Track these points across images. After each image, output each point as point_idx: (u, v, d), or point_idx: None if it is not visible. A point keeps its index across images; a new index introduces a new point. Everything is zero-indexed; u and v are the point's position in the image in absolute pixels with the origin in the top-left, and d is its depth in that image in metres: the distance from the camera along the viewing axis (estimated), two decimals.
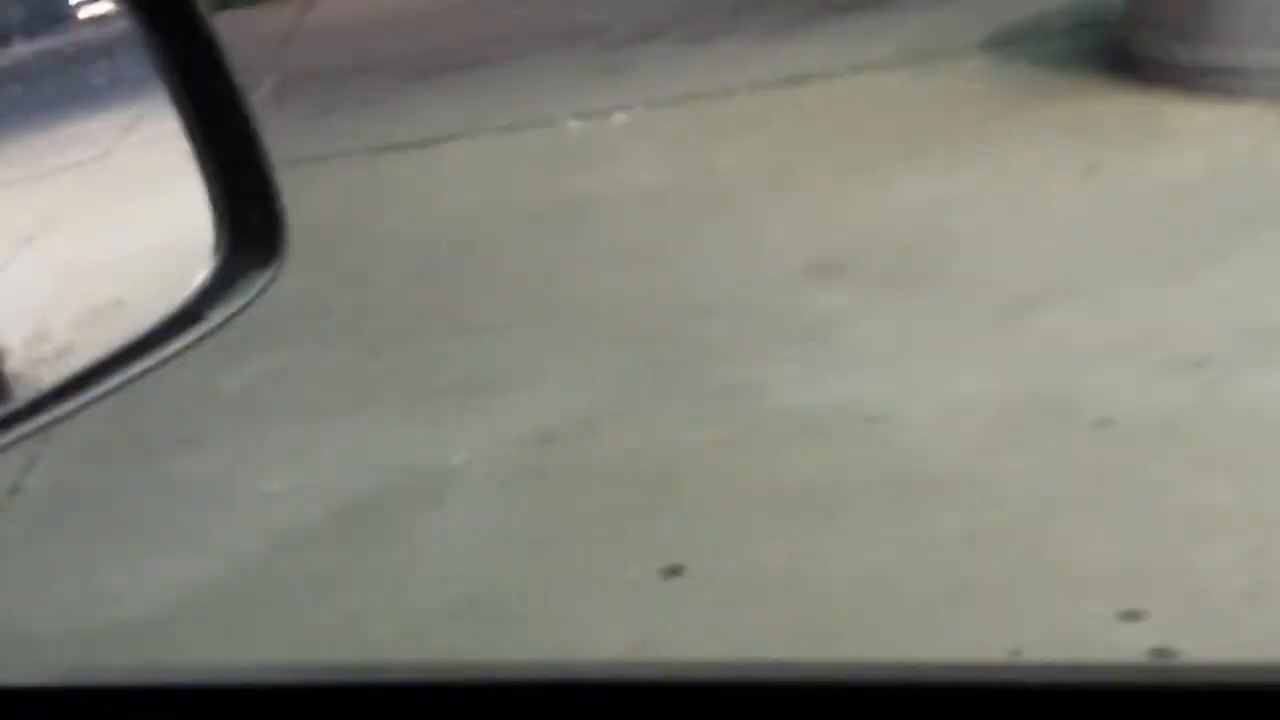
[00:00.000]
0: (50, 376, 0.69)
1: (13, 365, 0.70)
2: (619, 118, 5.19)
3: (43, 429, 0.63)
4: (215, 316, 0.71)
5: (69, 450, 2.98)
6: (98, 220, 1.08)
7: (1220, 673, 0.54)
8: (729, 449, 2.78)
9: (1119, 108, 4.44)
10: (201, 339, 0.70)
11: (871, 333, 3.17)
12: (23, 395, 0.66)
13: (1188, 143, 4.05)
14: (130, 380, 0.67)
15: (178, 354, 0.70)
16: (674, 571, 2.38)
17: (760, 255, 3.71)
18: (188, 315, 0.71)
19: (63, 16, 1.17)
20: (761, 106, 5.10)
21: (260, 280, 0.72)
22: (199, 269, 0.75)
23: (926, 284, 3.38)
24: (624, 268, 3.76)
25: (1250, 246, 3.31)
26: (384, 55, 6.25)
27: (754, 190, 4.21)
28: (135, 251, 0.91)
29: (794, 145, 4.56)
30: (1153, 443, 2.58)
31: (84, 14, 1.17)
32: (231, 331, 2.75)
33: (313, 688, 0.62)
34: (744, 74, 5.45)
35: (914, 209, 3.89)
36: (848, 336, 3.17)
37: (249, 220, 0.72)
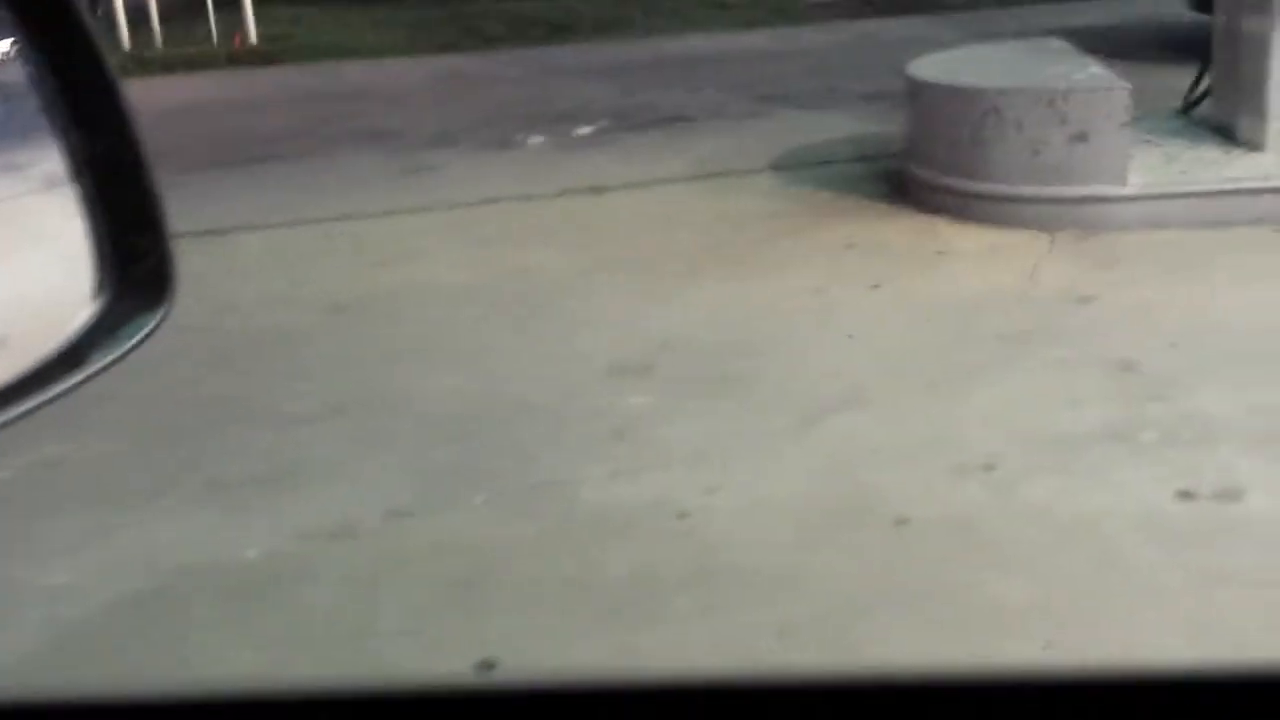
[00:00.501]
0: None
1: None
2: (417, 218, 5.18)
3: None
4: (98, 359, 0.67)
5: None
6: None
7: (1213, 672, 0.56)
8: (539, 545, 2.76)
9: (899, 229, 4.71)
10: (84, 381, 0.66)
11: (677, 433, 3.22)
12: None
13: (964, 264, 4.33)
14: (7, 422, 0.63)
15: (61, 395, 0.66)
16: (488, 667, 2.33)
17: (566, 355, 3.74)
18: (70, 357, 0.66)
19: None
20: (560, 214, 5.19)
21: (148, 323, 0.69)
22: (81, 310, 0.71)
23: (727, 388, 3.47)
24: (429, 364, 3.72)
25: (1024, 361, 3.54)
26: (175, 143, 6.08)
27: (556, 293, 4.26)
28: (9, 291, 0.86)
29: (593, 253, 4.65)
30: (948, 540, 2.69)
31: None
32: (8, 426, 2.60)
33: (282, 704, 0.59)
34: (542, 182, 5.54)
35: (713, 317, 4.00)
36: (654, 435, 3.21)
37: (136, 260, 0.69)
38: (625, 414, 3.33)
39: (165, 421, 3.35)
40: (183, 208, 3.82)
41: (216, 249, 4.84)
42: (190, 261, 4.40)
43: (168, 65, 8.74)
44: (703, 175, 5.57)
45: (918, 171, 4.98)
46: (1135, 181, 4.57)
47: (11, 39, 0.78)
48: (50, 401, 0.70)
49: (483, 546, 2.76)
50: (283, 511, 2.94)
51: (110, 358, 0.71)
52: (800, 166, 5.60)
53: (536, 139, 6.43)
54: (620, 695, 0.57)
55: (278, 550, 2.78)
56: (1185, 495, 2.78)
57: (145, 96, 6.76)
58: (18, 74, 0.91)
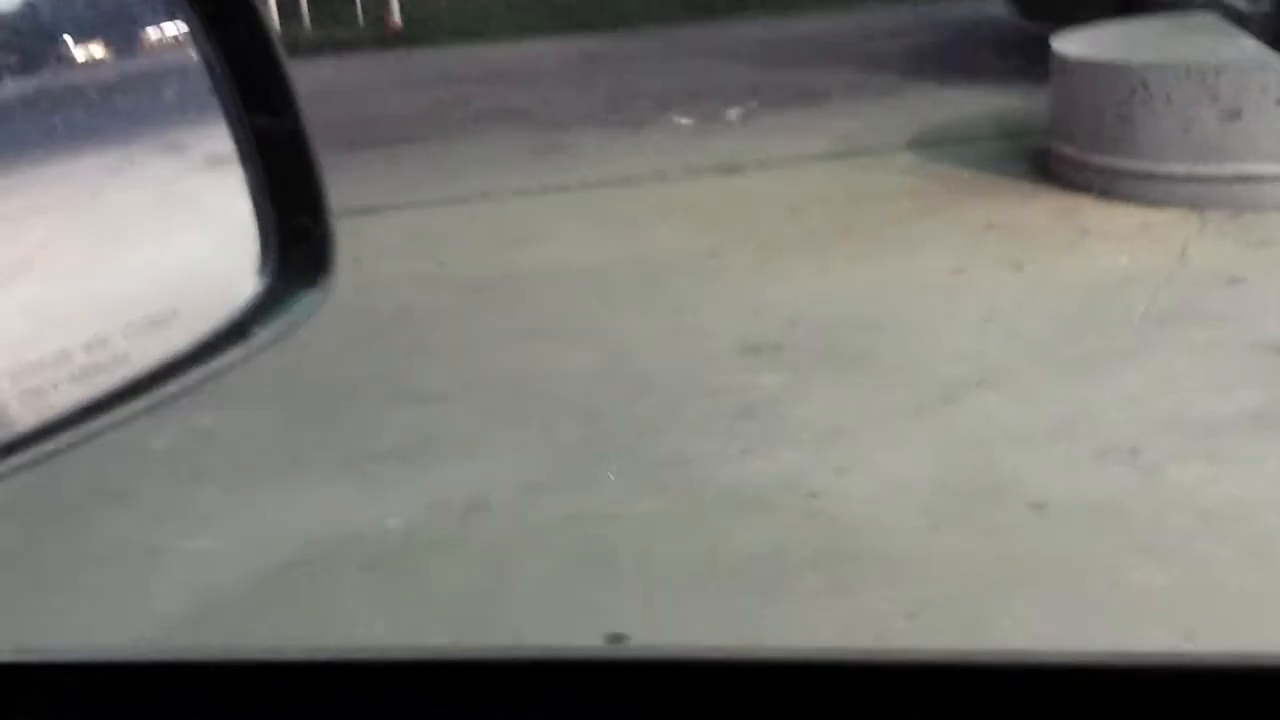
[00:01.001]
0: (105, 383, 0.67)
1: (70, 370, 0.68)
2: (552, 198, 5.23)
3: (95, 435, 0.61)
4: (262, 336, 0.69)
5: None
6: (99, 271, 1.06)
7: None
8: (670, 520, 2.77)
9: (1042, 208, 4.59)
10: (249, 356, 0.69)
11: (808, 411, 3.20)
12: (76, 401, 0.64)
13: (1110, 244, 4.20)
14: (182, 392, 0.66)
15: (227, 369, 0.68)
16: (616, 639, 2.35)
17: (695, 333, 3.74)
18: (237, 331, 0.69)
19: (50, 55, 1.16)
20: (693, 193, 5.19)
21: (310, 301, 0.71)
22: (245, 288, 0.73)
23: (859, 367, 3.44)
24: (561, 342, 3.76)
25: (1171, 343, 3.42)
26: (324, 124, 6.22)
27: (687, 272, 4.26)
28: (179, 266, 0.90)
29: (724, 231, 4.63)
30: (1087, 525, 2.62)
31: (77, 55, 1.17)
32: None
33: (293, 666, 0.61)
34: (676, 162, 5.55)
35: (845, 295, 3.96)
36: (785, 414, 3.20)
37: (299, 240, 0.71)
38: (755, 392, 3.32)
39: (309, 396, 3.45)
40: (332, 188, 3.92)
41: (363, 228, 4.96)
42: (341, 241, 4.53)
43: (316, 46, 8.97)
44: (839, 154, 5.51)
45: (1062, 149, 4.85)
46: None
47: (184, 22, 0.81)
48: (215, 376, 0.73)
49: (613, 520, 2.79)
50: (420, 484, 3.01)
51: (273, 335, 0.73)
52: (939, 144, 5.49)
53: (671, 118, 6.44)
54: (608, 669, 0.58)
55: (415, 522, 2.85)
56: None
57: (295, 78, 6.94)
58: (184, 56, 0.94)
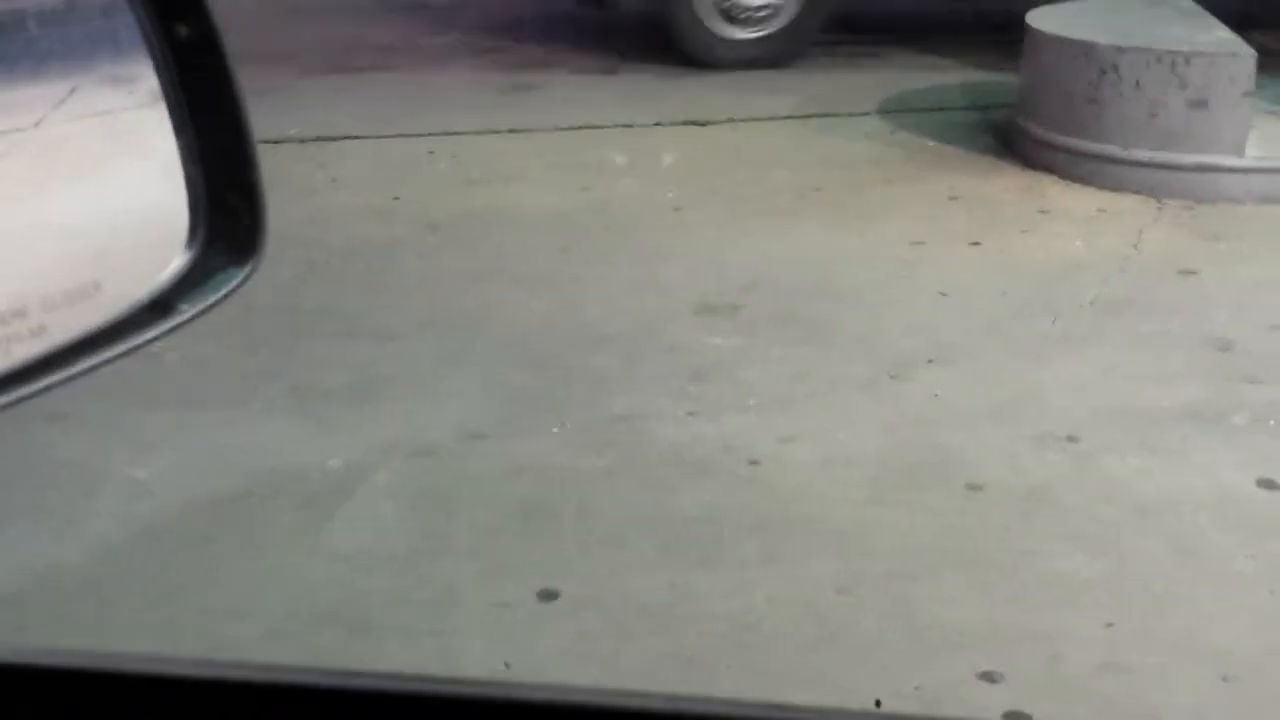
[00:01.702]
0: (21, 354, 0.66)
1: None
2: (517, 139, 5.19)
3: (12, 404, 0.60)
4: (187, 309, 0.69)
5: None
6: (59, 197, 1.04)
7: None
8: (610, 478, 2.79)
9: (1004, 184, 4.61)
10: (173, 329, 0.68)
11: (757, 376, 3.22)
12: None
13: (1068, 225, 4.23)
14: (99, 365, 0.65)
15: (148, 343, 0.68)
16: (549, 595, 2.38)
17: (652, 289, 3.74)
18: (160, 305, 0.68)
19: None
20: (659, 145, 5.15)
21: (235, 277, 0.71)
22: (172, 261, 0.73)
23: (813, 334, 3.45)
24: (516, 287, 3.75)
25: (1119, 331, 3.46)
26: (291, 49, 6.13)
27: (647, 225, 4.25)
28: (104, 232, 0.88)
29: (688, 186, 4.62)
30: (1021, 510, 2.67)
31: None
32: None
33: (272, 687, 0.60)
34: (644, 112, 5.50)
35: (805, 260, 3.97)
36: (734, 377, 3.21)
37: (228, 215, 0.71)
38: (707, 353, 3.33)
39: (256, 328, 3.42)
40: (294, 113, 3.91)
41: (322, 156, 4.90)
42: (296, 169, 4.49)
43: None
44: (809, 114, 5.49)
45: (1028, 126, 4.86)
46: (1253, 153, 4.41)
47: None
48: (137, 348, 0.72)
49: (554, 474, 2.80)
50: (365, 425, 3.00)
51: (196, 309, 0.73)
52: (909, 111, 5.48)
53: (642, 67, 6.38)
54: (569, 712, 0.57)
55: (358, 462, 2.85)
56: (1269, 484, 2.71)
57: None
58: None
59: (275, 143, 5.03)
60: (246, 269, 0.70)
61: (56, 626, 2.31)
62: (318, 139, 5.04)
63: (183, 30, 0.69)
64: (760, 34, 6.15)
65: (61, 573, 2.48)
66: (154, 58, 0.70)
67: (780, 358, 3.32)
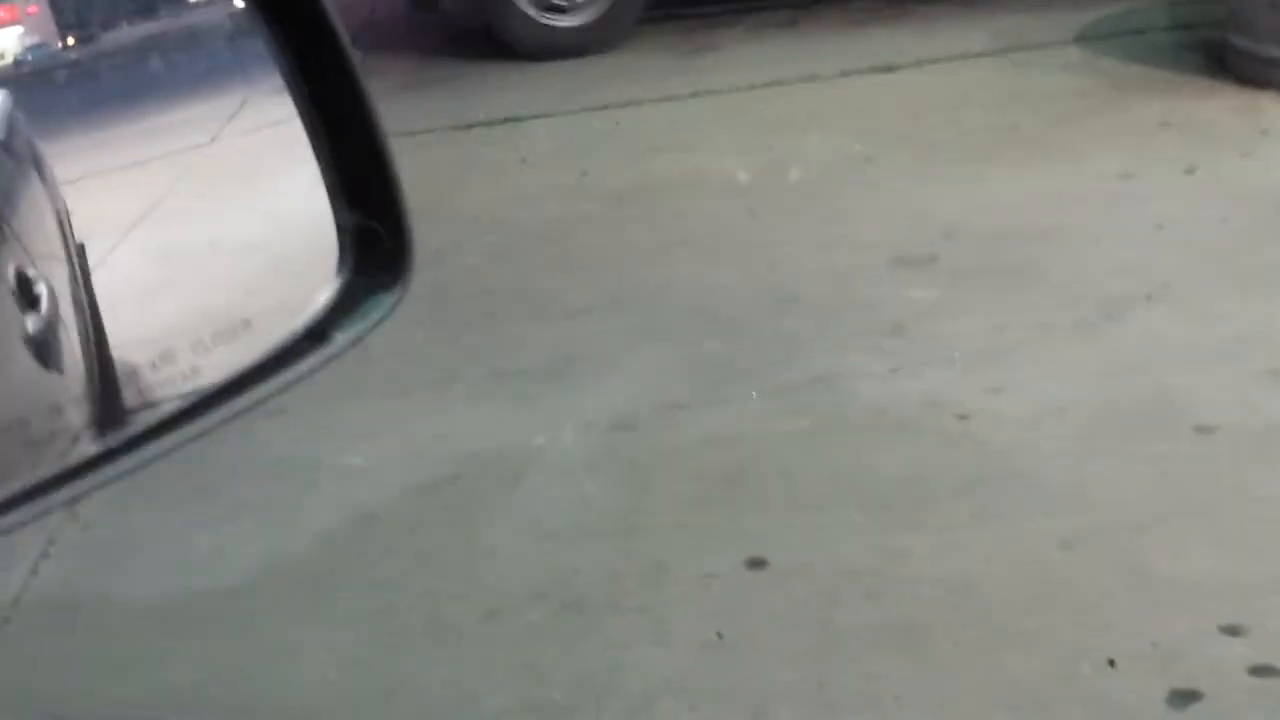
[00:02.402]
0: (176, 398, 0.66)
1: (139, 382, 0.67)
2: (699, 102, 5.14)
3: (167, 454, 0.60)
4: (341, 338, 0.67)
5: None
6: (212, 220, 1.05)
7: None
8: (812, 441, 2.73)
9: (1218, 106, 4.31)
10: (327, 361, 0.67)
11: (960, 328, 3.10)
12: (145, 419, 0.63)
13: None
14: (257, 403, 0.64)
15: (303, 376, 0.66)
16: (757, 564, 2.34)
17: (844, 245, 3.65)
18: (314, 335, 0.67)
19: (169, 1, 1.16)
20: (846, 95, 5.02)
21: (385, 303, 0.69)
22: (322, 290, 0.71)
23: (1017, 280, 3.30)
24: (705, 255, 3.71)
25: None
26: (473, 32, 6.23)
27: (836, 180, 4.15)
28: (256, 259, 0.88)
29: (878, 137, 4.48)
30: (1256, 451, 2.49)
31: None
32: None
33: None
34: (828, 62, 5.37)
35: (1005, 203, 3.80)
36: (936, 330, 3.10)
37: (376, 242, 0.69)
38: (906, 307, 3.22)
39: (454, 312, 3.49)
40: (483, 96, 3.94)
41: (509, 137, 4.96)
42: (486, 151, 4.55)
43: None
44: (1002, 49, 5.26)
45: (1241, 42, 4.52)
46: None
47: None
48: (295, 381, 0.71)
49: (755, 441, 2.76)
50: (564, 402, 3.02)
51: (349, 337, 0.71)
52: (1109, 37, 5.19)
53: (822, 14, 6.23)
54: None
55: (560, 440, 2.87)
56: None
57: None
58: (238, 19, 0.92)
59: (466, 127, 5.13)
60: (396, 294, 0.68)
61: (283, 618, 2.40)
62: (505, 120, 5.11)
63: (315, 63, 0.67)
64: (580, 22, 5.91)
65: (288, 563, 2.58)
66: (292, 95, 0.69)
67: (984, 307, 3.19)
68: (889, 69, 5.21)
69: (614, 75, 5.61)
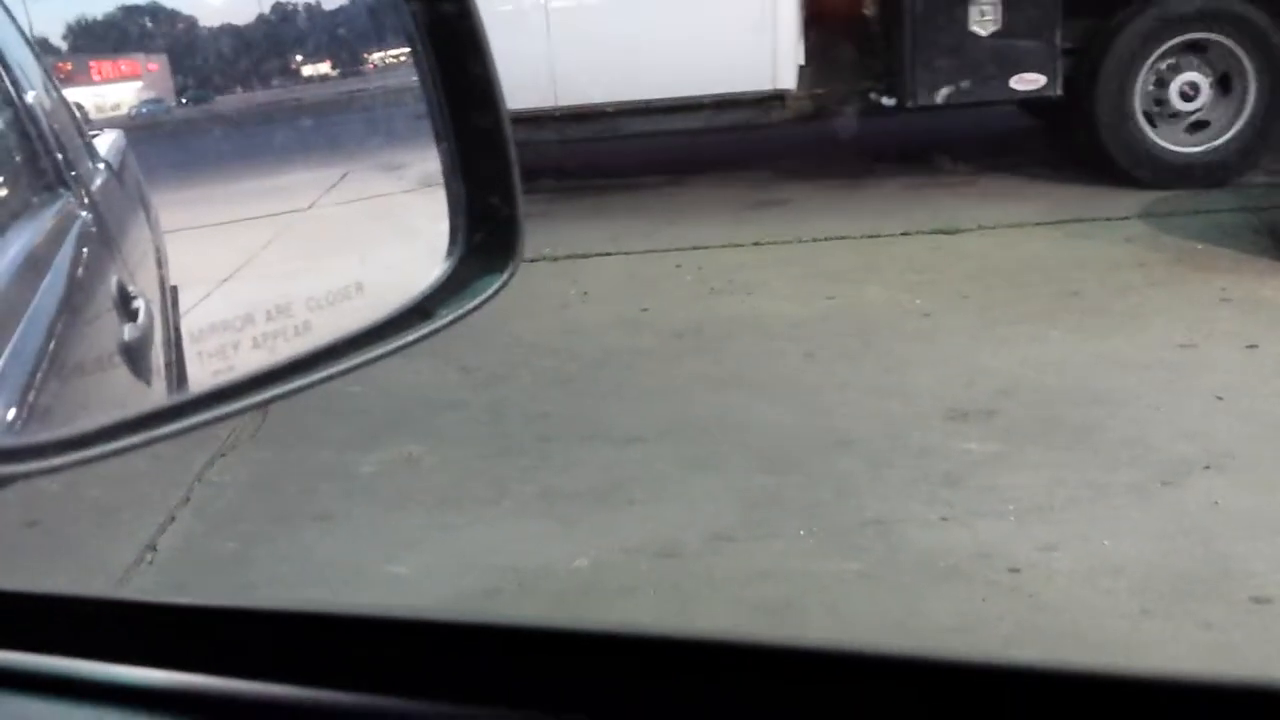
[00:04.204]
0: (287, 350, 0.68)
1: (253, 334, 0.70)
2: (762, 251, 5.22)
3: (275, 400, 0.62)
4: (445, 314, 0.69)
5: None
6: (301, 281, 1.09)
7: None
8: (861, 582, 2.69)
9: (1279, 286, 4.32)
10: (432, 333, 0.69)
11: (1014, 482, 3.07)
12: (259, 365, 0.65)
13: None
14: (362, 364, 0.66)
15: (408, 345, 0.69)
16: None
17: (899, 394, 3.65)
18: (419, 310, 0.69)
19: (282, 70, 1.20)
20: (906, 253, 5.09)
21: (493, 283, 0.71)
22: (433, 269, 0.74)
23: (1074, 440, 3.28)
24: (759, 393, 3.72)
25: None
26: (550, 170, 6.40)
27: (894, 332, 4.17)
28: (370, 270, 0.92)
29: (937, 293, 4.52)
30: None
31: (305, 71, 1.20)
32: (371, 415, 2.78)
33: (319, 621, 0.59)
34: (891, 222, 5.46)
35: (1063, 365, 3.80)
36: (990, 483, 3.07)
37: (488, 223, 0.71)
38: (959, 458, 3.20)
39: (509, 432, 3.51)
40: (551, 232, 4.04)
41: (575, 272, 5.05)
42: (550, 284, 4.62)
43: None
44: (1064, 220, 5.32)
45: None
46: None
47: (409, 32, 0.82)
48: (401, 349, 0.73)
49: (803, 578, 2.72)
50: (611, 526, 3.01)
51: (456, 314, 0.74)
52: (1172, 214, 5.24)
53: (887, 177, 6.36)
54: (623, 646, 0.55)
55: (604, 562, 2.85)
56: None
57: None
58: (402, 78, 0.97)
59: (530, 261, 5.23)
60: (505, 275, 0.71)
61: None
62: (569, 256, 5.21)
63: (447, 37, 0.70)
64: None
65: None
66: (419, 67, 0.72)
67: (1039, 463, 3.16)
68: (951, 231, 5.28)
69: (676, 221, 5.73)
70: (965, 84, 5.66)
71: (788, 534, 2.90)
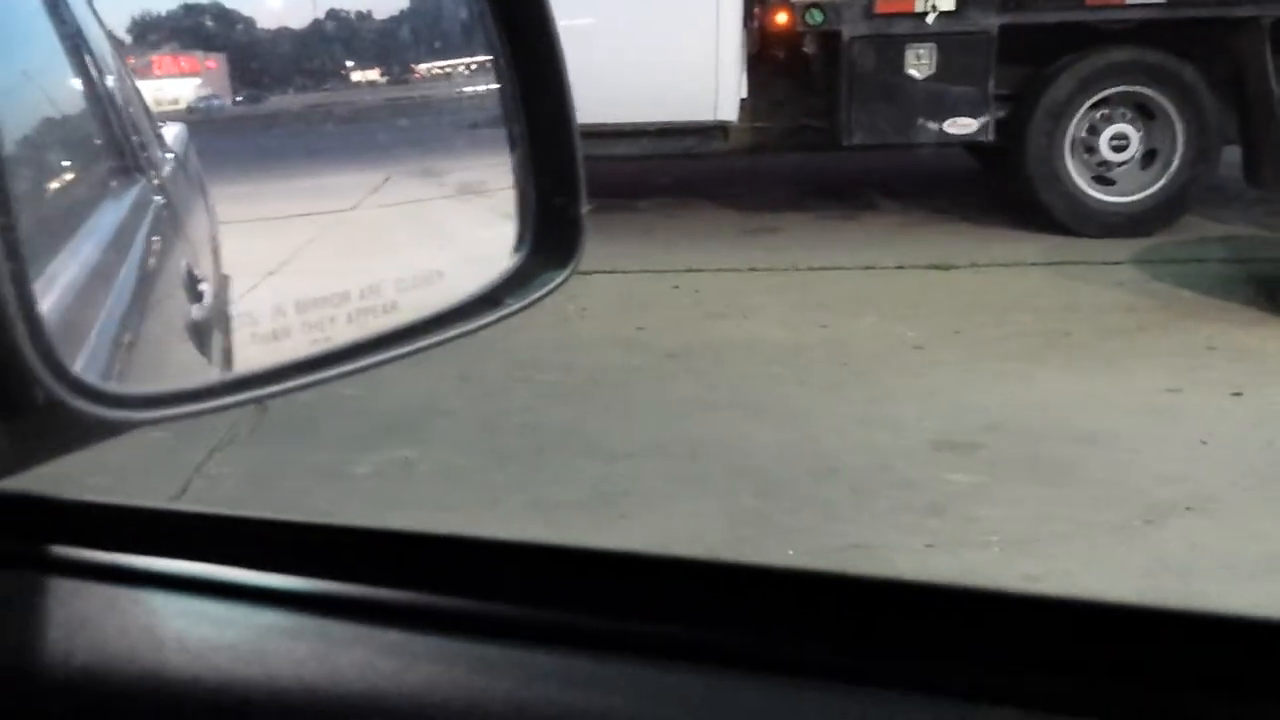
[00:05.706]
0: (375, 326, 0.72)
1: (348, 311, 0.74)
2: (757, 277, 5.28)
3: (359, 372, 0.66)
4: (511, 303, 0.74)
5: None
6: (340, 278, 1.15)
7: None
8: None
9: (1266, 335, 4.39)
10: (497, 320, 0.74)
11: (999, 514, 3.12)
12: (347, 338, 0.70)
13: None
14: (438, 344, 0.71)
15: (478, 329, 0.74)
16: None
17: (886, 425, 3.70)
18: (490, 298, 0.74)
19: (333, 74, 1.25)
20: (900, 287, 5.15)
21: (555, 278, 0.76)
22: (501, 263, 0.79)
23: (1058, 476, 3.33)
24: (749, 416, 3.77)
25: None
26: None
27: (884, 363, 4.23)
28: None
29: (927, 327, 4.58)
30: None
31: (355, 77, 1.25)
32: (369, 418, 2.80)
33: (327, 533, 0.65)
34: (886, 254, 5.52)
35: (1050, 403, 3.86)
36: (974, 514, 3.12)
37: (553, 219, 0.76)
38: (944, 489, 3.26)
39: (502, 442, 3.55)
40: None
41: (573, 289, 5.09)
42: (549, 300, 4.64)
43: None
44: (1057, 261, 5.40)
45: None
46: None
47: (486, 28, 0.86)
48: (470, 333, 0.78)
49: None
50: (599, 538, 3.05)
51: (520, 304, 0.79)
52: (1163, 262, 5.32)
53: (884, 209, 6.43)
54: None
55: None
56: None
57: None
58: (451, 88, 1.01)
59: None
60: (567, 270, 0.75)
61: None
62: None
63: (533, 63, 0.75)
64: None
65: None
66: (498, 71, 0.77)
67: (1023, 498, 3.22)
68: (944, 267, 5.35)
69: (674, 243, 5.78)
70: (899, 126, 5.74)
71: (773, 554, 2.94)
